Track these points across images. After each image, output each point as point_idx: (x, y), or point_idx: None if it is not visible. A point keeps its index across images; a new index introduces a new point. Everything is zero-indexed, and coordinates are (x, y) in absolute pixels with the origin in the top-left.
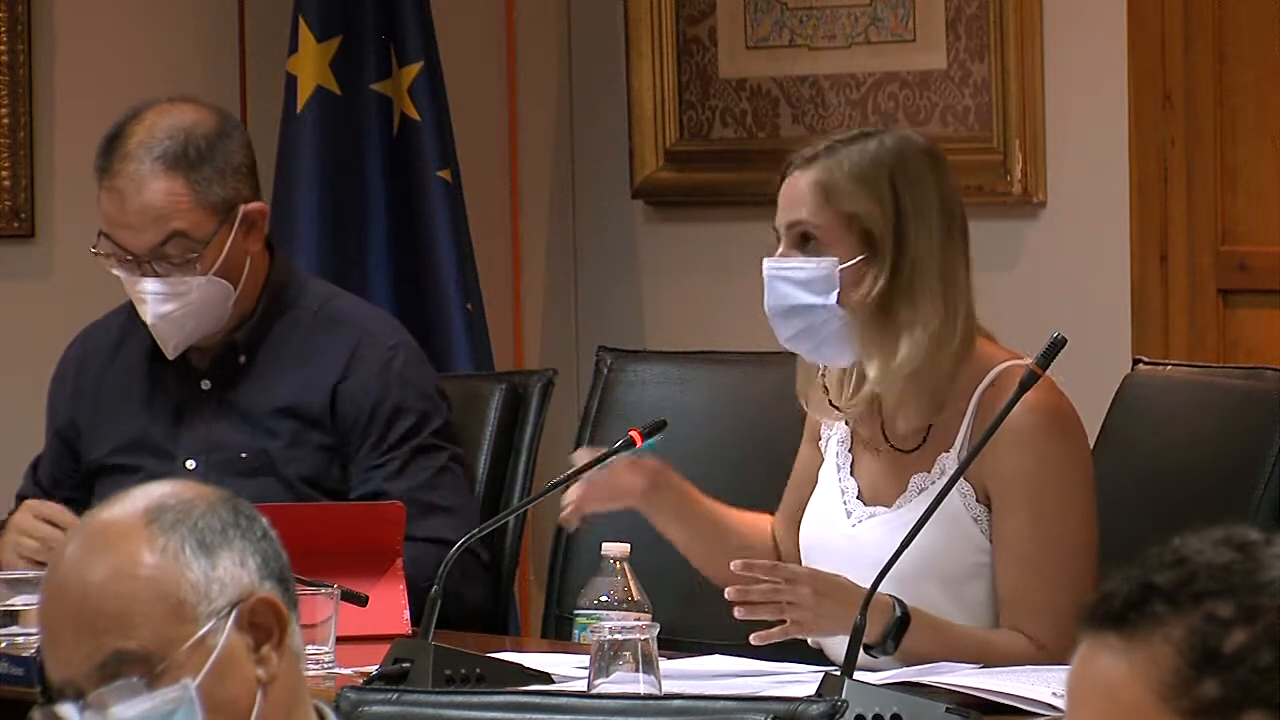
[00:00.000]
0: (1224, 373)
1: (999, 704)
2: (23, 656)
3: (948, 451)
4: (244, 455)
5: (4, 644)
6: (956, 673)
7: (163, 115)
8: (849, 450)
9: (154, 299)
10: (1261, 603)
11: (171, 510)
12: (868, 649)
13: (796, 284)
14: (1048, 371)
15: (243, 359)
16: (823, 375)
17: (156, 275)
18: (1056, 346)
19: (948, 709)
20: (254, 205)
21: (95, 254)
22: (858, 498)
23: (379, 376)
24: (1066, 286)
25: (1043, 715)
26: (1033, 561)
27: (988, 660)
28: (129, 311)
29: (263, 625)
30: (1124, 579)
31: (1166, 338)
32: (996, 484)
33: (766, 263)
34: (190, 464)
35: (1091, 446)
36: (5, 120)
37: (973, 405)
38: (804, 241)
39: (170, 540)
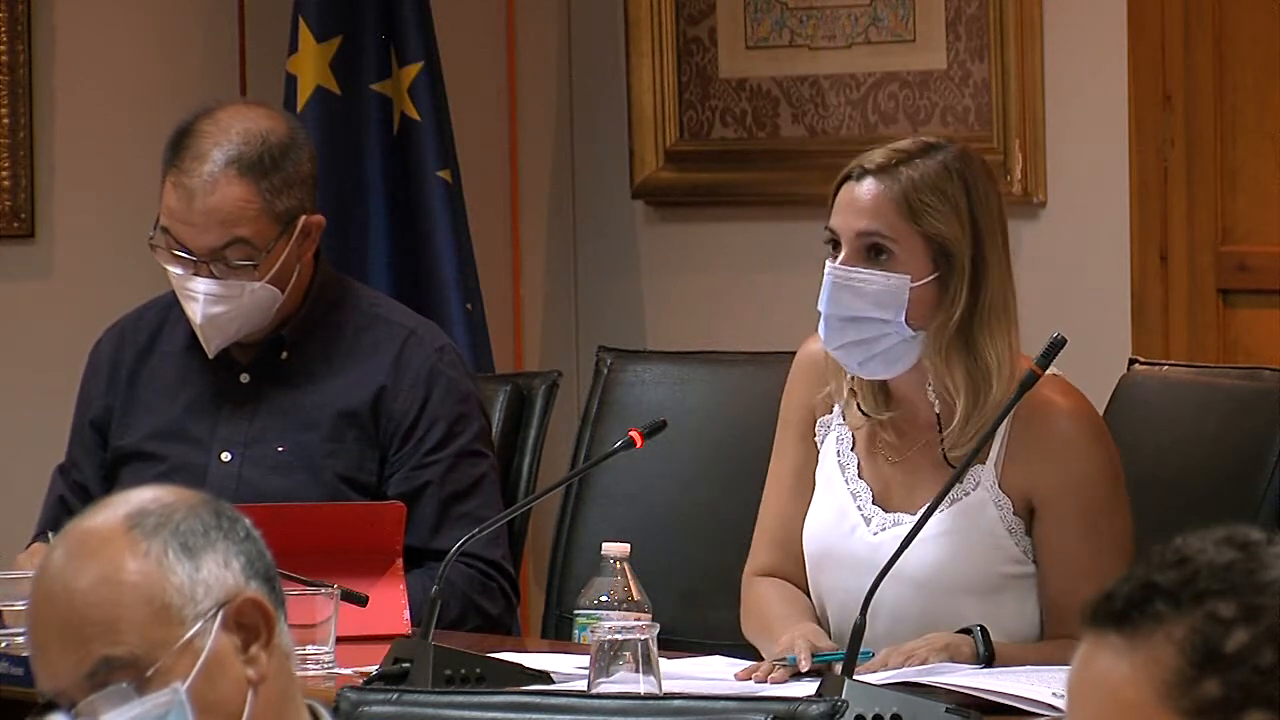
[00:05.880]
0: (1221, 373)
1: (999, 704)
2: (22, 656)
3: (982, 464)
4: (281, 449)
5: (4, 644)
6: (956, 673)
7: (236, 117)
8: (852, 450)
9: (205, 299)
10: (1263, 602)
11: (153, 515)
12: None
13: (863, 296)
14: (1055, 372)
15: (285, 355)
16: (851, 377)
17: (211, 276)
18: (1056, 347)
19: (948, 709)
20: (315, 218)
21: (151, 245)
22: (874, 503)
23: (425, 379)
24: (1066, 286)
25: (1043, 715)
26: (1088, 568)
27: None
28: (164, 304)
29: (250, 625)
30: (1125, 578)
31: (1166, 338)
32: (1043, 495)
33: (830, 267)
34: (225, 456)
35: None
36: (5, 120)
37: (1009, 418)
38: (873, 253)
39: (153, 545)
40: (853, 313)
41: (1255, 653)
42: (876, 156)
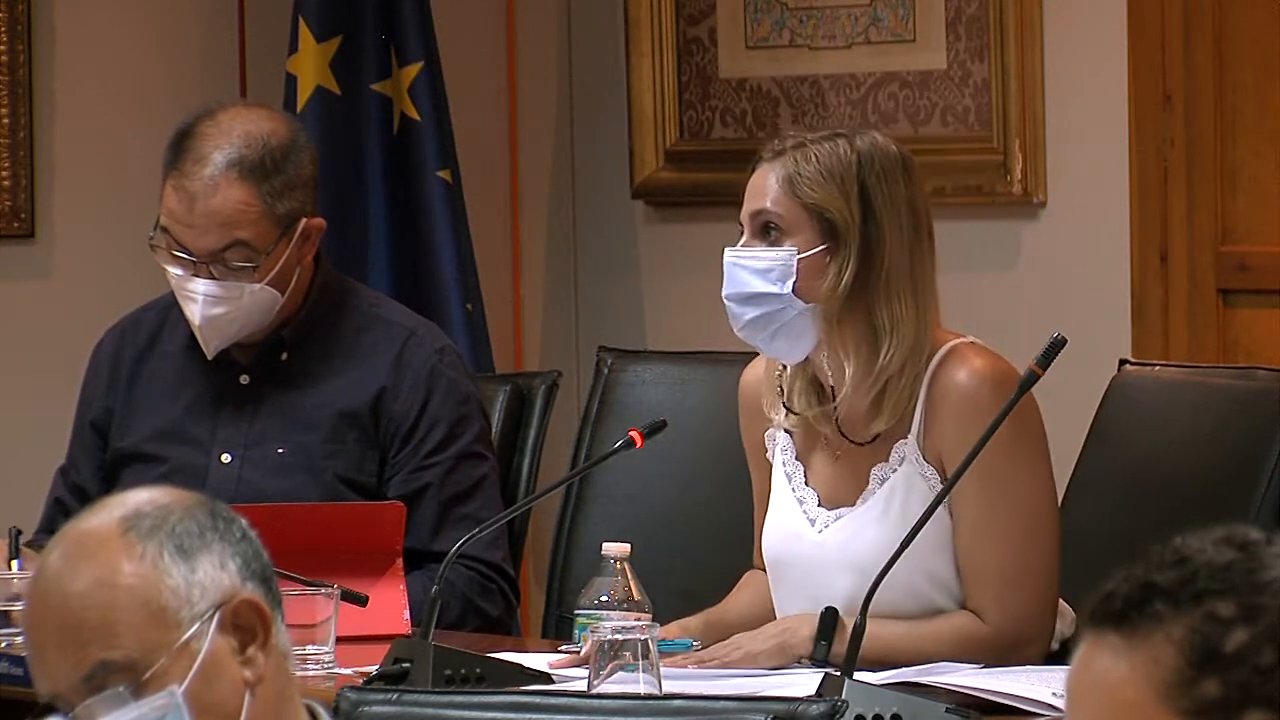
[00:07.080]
0: (1215, 373)
1: (999, 704)
2: (22, 656)
3: (905, 439)
4: (281, 451)
5: (4, 644)
6: (957, 673)
7: (238, 119)
8: (796, 459)
9: (205, 300)
10: (1263, 602)
11: (148, 517)
12: (813, 661)
13: (754, 272)
14: (973, 340)
15: (285, 356)
16: (780, 376)
17: (211, 278)
18: (1056, 347)
19: (948, 709)
20: (315, 221)
21: (151, 245)
22: (819, 505)
23: (426, 380)
24: (1066, 286)
25: (1043, 715)
26: (985, 526)
27: (931, 651)
28: (164, 304)
29: (246, 626)
30: (1125, 578)
31: (1166, 338)
32: (946, 451)
33: (727, 252)
34: (225, 458)
35: (1082, 447)
36: (5, 120)
37: (924, 388)
38: (766, 231)
39: (149, 547)
40: (748, 289)
41: (1255, 653)
42: (777, 144)
